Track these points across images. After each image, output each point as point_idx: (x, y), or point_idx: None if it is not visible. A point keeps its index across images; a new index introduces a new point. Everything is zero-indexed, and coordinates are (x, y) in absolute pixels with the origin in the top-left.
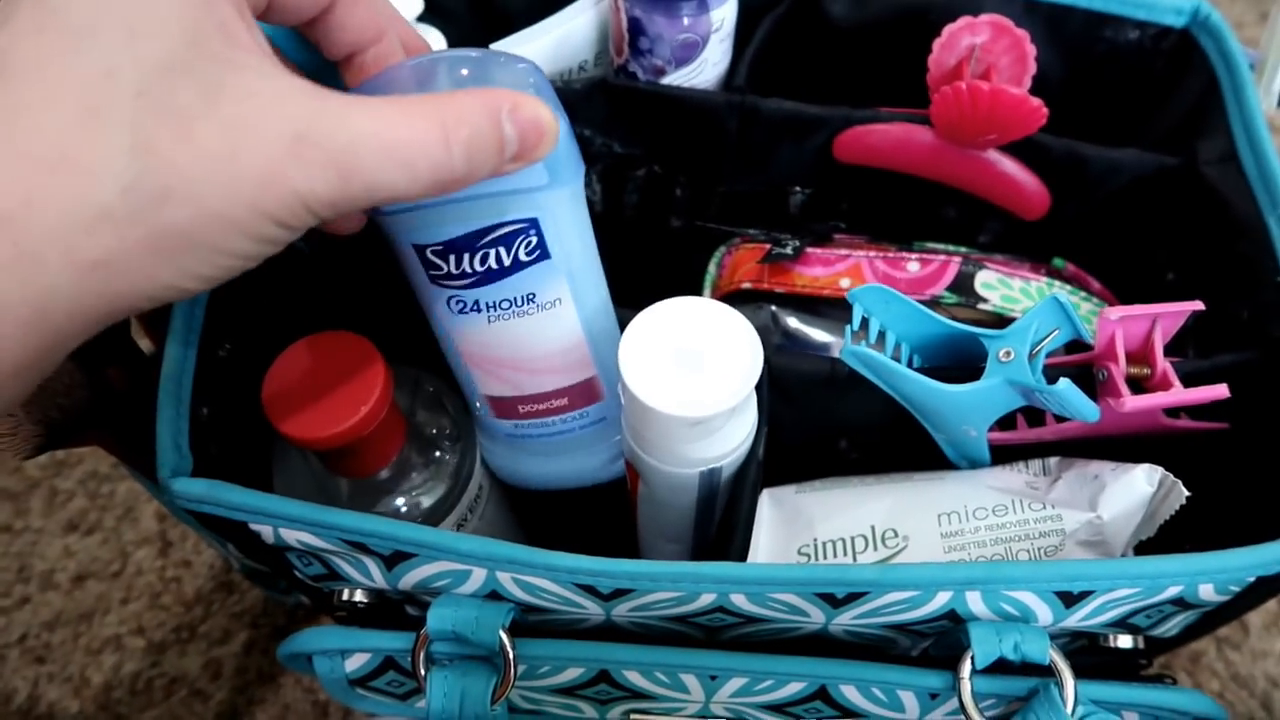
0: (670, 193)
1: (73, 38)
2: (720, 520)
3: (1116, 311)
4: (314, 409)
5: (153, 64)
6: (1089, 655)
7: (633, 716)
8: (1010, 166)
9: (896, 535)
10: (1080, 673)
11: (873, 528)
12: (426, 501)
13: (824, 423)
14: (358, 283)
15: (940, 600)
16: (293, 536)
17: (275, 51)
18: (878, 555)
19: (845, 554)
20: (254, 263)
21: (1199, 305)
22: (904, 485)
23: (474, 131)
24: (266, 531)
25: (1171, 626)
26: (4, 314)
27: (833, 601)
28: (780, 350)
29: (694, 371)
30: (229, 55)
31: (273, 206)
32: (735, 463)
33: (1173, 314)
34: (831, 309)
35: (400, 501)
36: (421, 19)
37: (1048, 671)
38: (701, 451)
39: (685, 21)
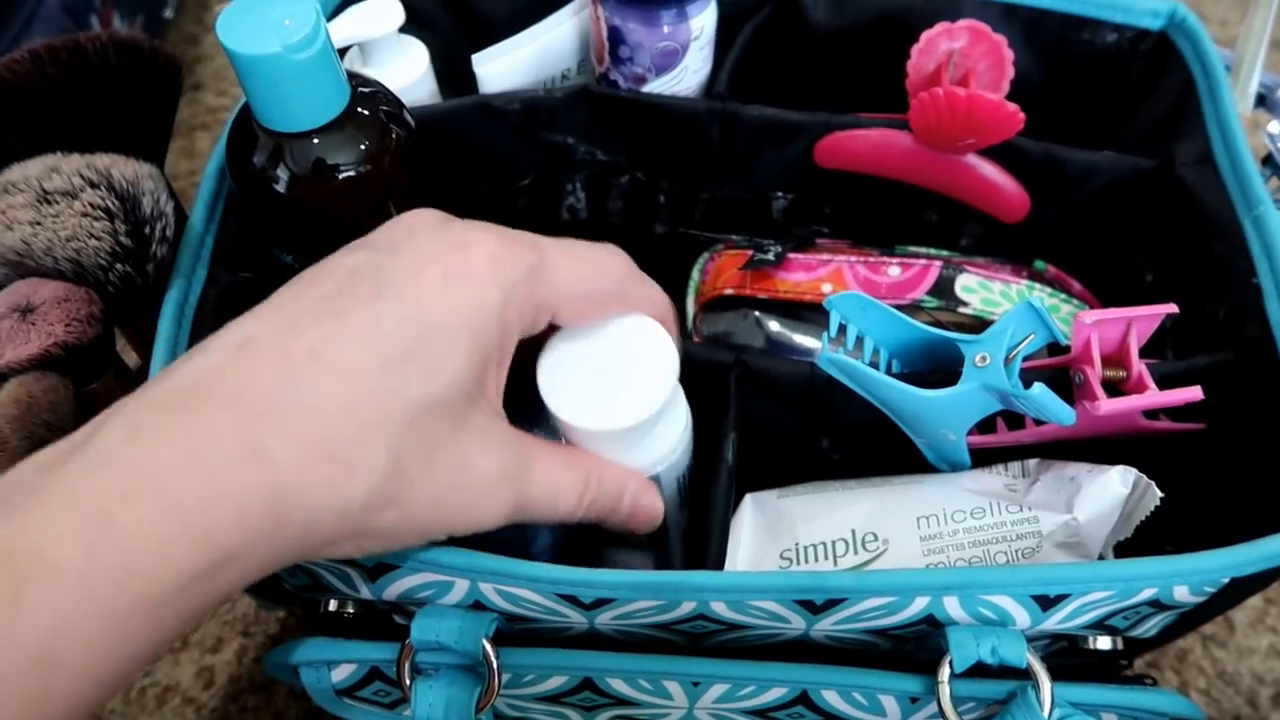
0: (654, 200)
1: (386, 360)
2: (695, 528)
3: (1091, 315)
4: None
5: (431, 401)
6: (1069, 657)
7: None
8: (990, 170)
9: (876, 539)
10: (1061, 674)
11: (853, 531)
12: None
13: (805, 425)
14: None
15: (918, 605)
16: None
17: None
18: (858, 559)
19: (826, 558)
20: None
21: (1173, 308)
22: (884, 489)
23: (602, 497)
24: None
25: (1150, 627)
26: (253, 551)
27: (812, 608)
28: (762, 355)
29: (609, 384)
30: (478, 401)
31: (459, 528)
32: (673, 470)
33: (1148, 317)
34: (814, 314)
35: None
36: (404, 29)
37: (1025, 674)
38: (632, 461)
39: (665, 30)
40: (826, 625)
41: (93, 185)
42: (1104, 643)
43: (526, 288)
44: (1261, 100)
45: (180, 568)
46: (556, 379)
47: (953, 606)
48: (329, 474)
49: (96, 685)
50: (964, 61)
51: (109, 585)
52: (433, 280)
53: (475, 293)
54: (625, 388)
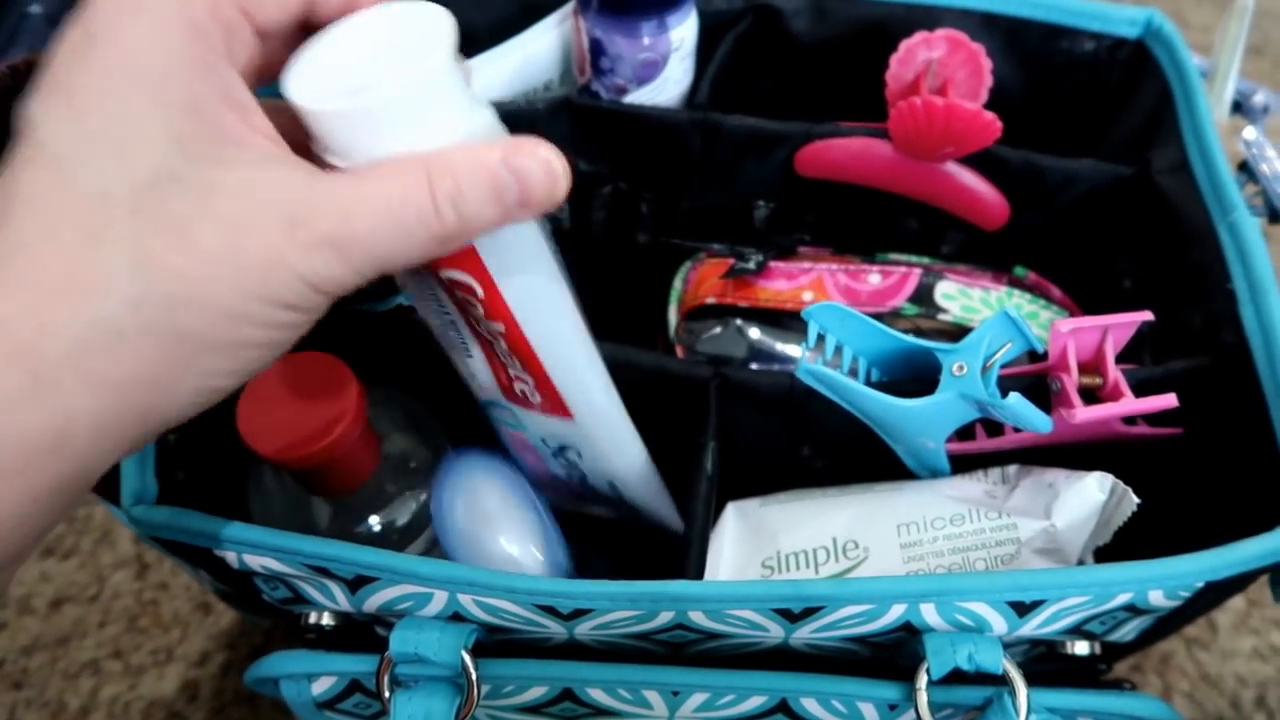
0: (636, 209)
1: (63, 167)
2: (677, 539)
3: (1068, 324)
4: (288, 428)
5: (144, 179)
6: (1048, 662)
7: None
8: (969, 178)
9: (857, 546)
10: (1040, 680)
11: (834, 539)
12: (402, 519)
13: (786, 435)
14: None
15: (896, 613)
16: (256, 562)
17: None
18: (839, 567)
19: (808, 566)
20: (280, 349)
21: (1148, 315)
22: (865, 496)
23: (459, 182)
24: (230, 557)
25: (1127, 632)
26: (26, 442)
27: (790, 616)
28: (741, 366)
29: (372, 65)
30: (219, 153)
31: (280, 293)
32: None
33: (1123, 324)
34: (795, 321)
35: (375, 520)
36: None
37: (1002, 680)
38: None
39: (645, 41)
40: (805, 633)
41: None
42: (1081, 648)
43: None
44: (1238, 107)
45: None
46: (303, 74)
47: (930, 613)
48: (68, 306)
49: None
50: (942, 71)
51: None
52: (76, 45)
53: (141, 32)
54: (393, 59)
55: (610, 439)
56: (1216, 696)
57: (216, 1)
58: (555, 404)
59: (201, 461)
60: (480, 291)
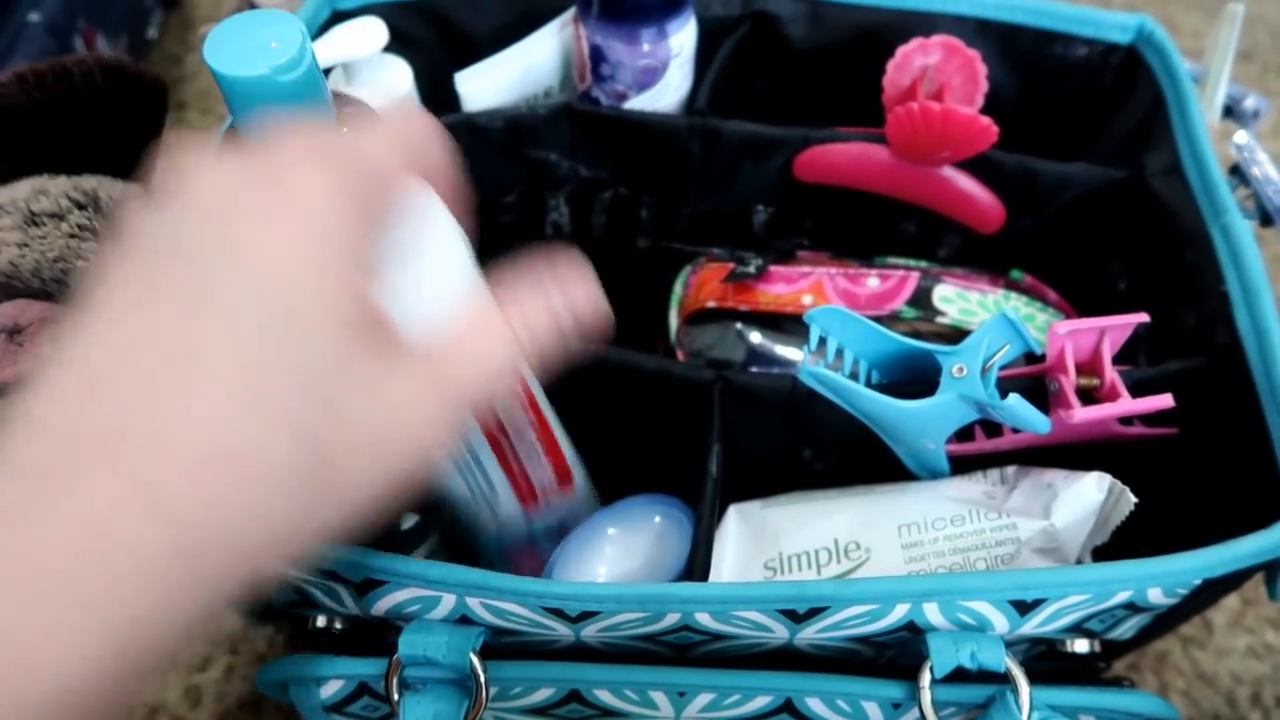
0: (636, 214)
1: (246, 339)
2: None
3: (1065, 326)
4: None
5: (314, 358)
6: (1048, 660)
7: None
8: (965, 182)
9: (859, 548)
10: (1040, 678)
11: (836, 540)
12: (408, 523)
13: (788, 437)
14: None
15: (899, 612)
16: None
17: None
18: (841, 568)
19: (810, 567)
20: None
21: (1144, 317)
22: (866, 497)
23: (532, 330)
24: None
25: (1126, 629)
26: (174, 603)
27: (794, 617)
28: (743, 370)
29: None
30: (367, 327)
31: (410, 468)
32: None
33: (1120, 326)
34: (795, 325)
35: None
36: (387, 49)
37: (1004, 679)
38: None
39: (645, 48)
40: (810, 634)
41: (80, 206)
42: (1082, 645)
43: (354, 179)
44: (1229, 111)
45: (88, 659)
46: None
47: (932, 613)
48: (230, 487)
49: None
50: (938, 76)
51: (9, 695)
52: (258, 228)
53: (307, 222)
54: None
55: (584, 480)
56: (1212, 694)
57: (377, 185)
58: (562, 472)
59: None
60: (522, 393)
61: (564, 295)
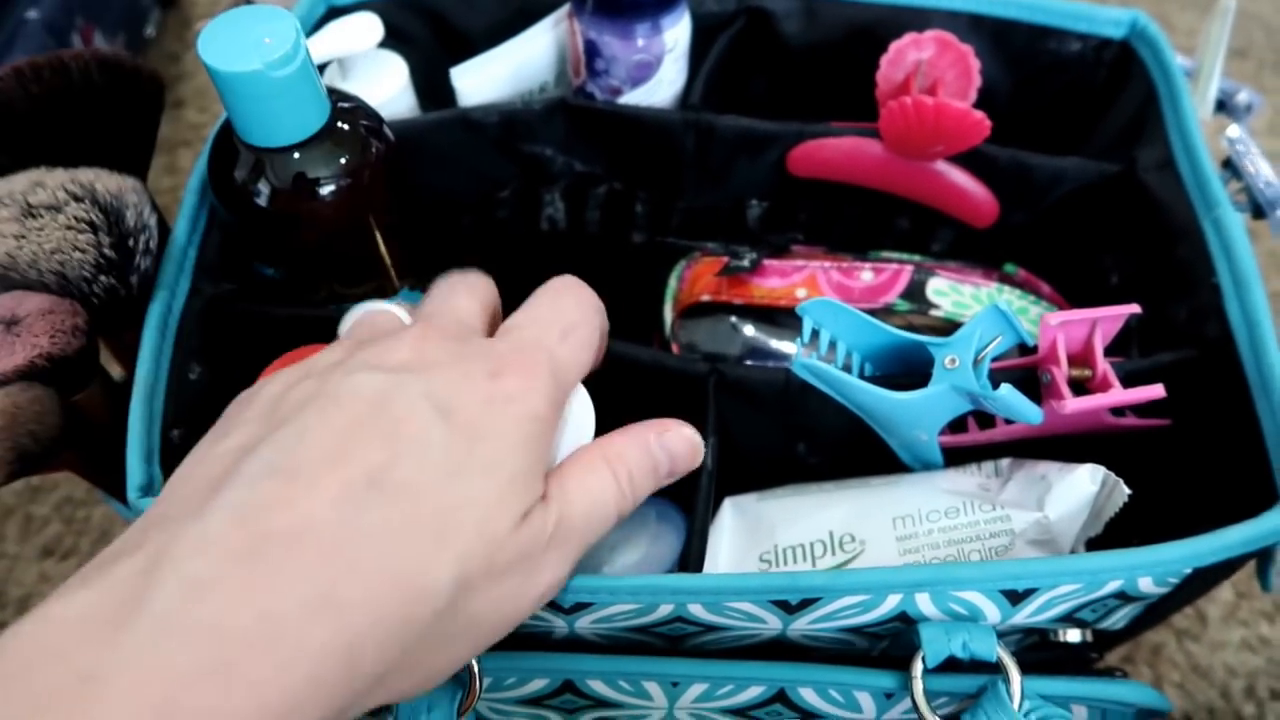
0: (631, 209)
1: (443, 479)
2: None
3: (1057, 317)
4: None
5: (479, 511)
6: (1041, 651)
7: None
8: (959, 177)
9: (854, 540)
10: (1033, 668)
11: (831, 533)
12: None
13: (782, 430)
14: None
15: (891, 603)
16: None
17: None
18: (835, 560)
19: (805, 559)
20: None
21: (1136, 309)
22: (861, 490)
23: (630, 467)
24: None
25: (1118, 619)
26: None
27: (787, 608)
28: (737, 363)
29: None
30: (527, 498)
31: (526, 617)
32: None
33: (1112, 317)
34: (789, 319)
35: None
36: (383, 44)
37: (996, 668)
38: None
39: (639, 43)
40: (803, 625)
41: (77, 199)
42: (1074, 635)
43: (555, 391)
44: (1221, 105)
45: None
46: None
47: (924, 603)
48: (399, 607)
49: None
50: (932, 71)
51: None
52: (477, 400)
53: (521, 408)
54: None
55: None
56: (1207, 687)
57: None
58: None
59: None
60: None
61: (664, 448)
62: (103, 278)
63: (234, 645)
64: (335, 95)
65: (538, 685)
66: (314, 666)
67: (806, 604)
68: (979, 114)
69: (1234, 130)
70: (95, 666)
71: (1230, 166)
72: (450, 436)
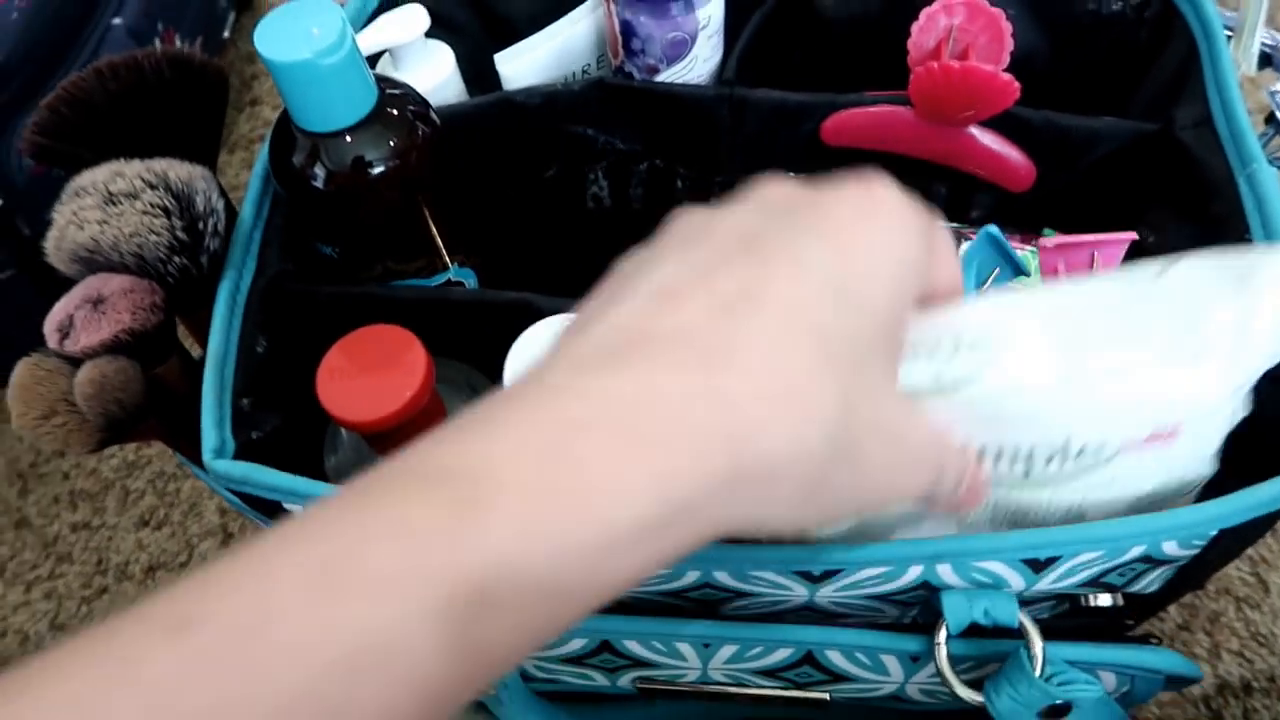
0: (672, 185)
1: (819, 298)
2: None
3: (1054, 240)
4: (363, 395)
5: (871, 343)
6: (1073, 618)
7: (640, 684)
8: (992, 141)
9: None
10: (1065, 634)
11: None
12: None
13: None
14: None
15: (913, 573)
16: None
17: None
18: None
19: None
20: None
21: (1134, 236)
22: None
23: (943, 474)
24: (298, 511)
25: (1150, 583)
26: (707, 506)
27: (810, 578)
28: None
29: None
30: (898, 356)
31: (893, 498)
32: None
33: (1111, 243)
34: None
35: None
36: (430, 34)
37: (1019, 634)
38: None
39: (673, 21)
40: (828, 592)
41: (151, 186)
42: (1104, 599)
43: (925, 248)
44: (1267, 60)
45: (635, 513)
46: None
47: (946, 573)
48: (786, 414)
49: (523, 640)
50: (963, 36)
51: (559, 523)
52: (852, 224)
53: (897, 239)
54: None
55: None
56: (1267, 654)
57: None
58: None
59: (275, 427)
60: None
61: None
62: (176, 258)
63: (621, 406)
64: (383, 82)
65: (576, 645)
66: (698, 452)
67: (830, 574)
68: (1007, 76)
69: (1279, 84)
70: (487, 417)
71: (1274, 122)
72: (822, 257)
